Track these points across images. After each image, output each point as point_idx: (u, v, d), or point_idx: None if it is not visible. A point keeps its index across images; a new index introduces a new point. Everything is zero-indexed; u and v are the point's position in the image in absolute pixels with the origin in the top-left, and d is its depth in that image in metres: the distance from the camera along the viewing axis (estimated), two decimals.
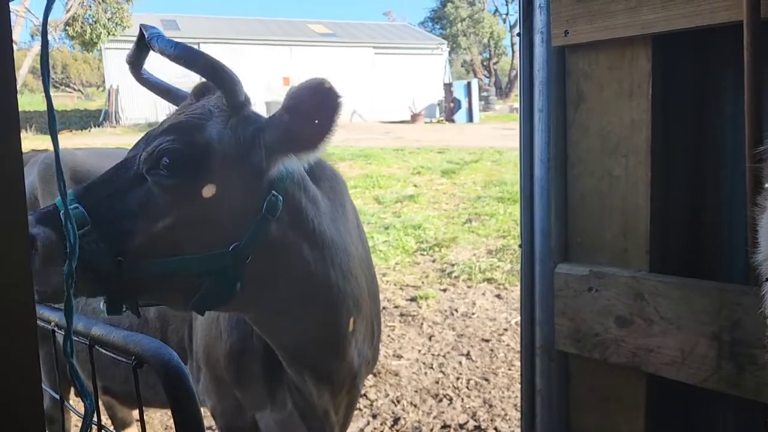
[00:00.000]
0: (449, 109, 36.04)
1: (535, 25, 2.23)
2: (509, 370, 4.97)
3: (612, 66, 2.08)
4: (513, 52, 56.58)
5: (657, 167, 2.02)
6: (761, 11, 1.66)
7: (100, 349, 1.07)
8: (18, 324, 0.71)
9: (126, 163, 1.57)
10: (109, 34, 33.91)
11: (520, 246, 2.40)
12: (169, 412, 1.10)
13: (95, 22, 34.01)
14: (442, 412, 4.30)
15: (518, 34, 2.30)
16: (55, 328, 1.17)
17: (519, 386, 4.71)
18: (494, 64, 64.86)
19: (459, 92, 35.85)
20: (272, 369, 1.98)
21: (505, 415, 4.29)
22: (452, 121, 35.03)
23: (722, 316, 1.85)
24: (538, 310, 2.31)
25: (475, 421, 4.21)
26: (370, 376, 4.41)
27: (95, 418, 1.00)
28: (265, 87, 34.79)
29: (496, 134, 24.71)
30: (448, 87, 36.88)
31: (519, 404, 4.49)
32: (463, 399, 4.52)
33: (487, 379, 4.79)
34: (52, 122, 0.80)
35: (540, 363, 2.34)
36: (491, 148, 18.61)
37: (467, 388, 4.69)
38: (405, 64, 39.44)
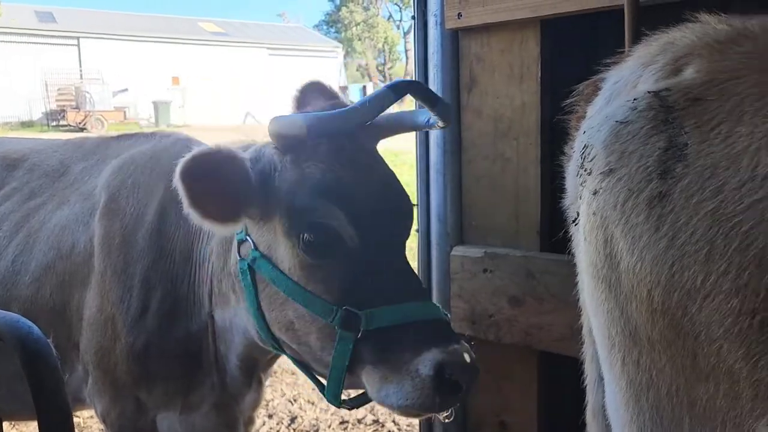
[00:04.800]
0: None
1: (430, 7, 2.23)
2: None
3: (503, 49, 2.11)
4: (407, 58, 57.75)
5: (546, 149, 2.07)
6: None
7: None
8: None
9: None
10: None
11: (417, 231, 2.39)
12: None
13: None
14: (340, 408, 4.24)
15: (413, 17, 2.29)
16: None
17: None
18: (389, 68, 65.87)
19: (355, 96, 36.08)
20: (190, 369, 1.86)
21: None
22: None
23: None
24: (435, 293, 2.30)
25: (374, 415, 4.18)
26: None
27: None
28: (152, 86, 33.24)
29: (393, 137, 25.01)
30: (343, 90, 36.95)
31: (380, 419, 4.52)
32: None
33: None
34: None
35: None
36: (387, 150, 18.80)
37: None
38: (300, 66, 39.03)
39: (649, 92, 0.97)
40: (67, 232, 1.97)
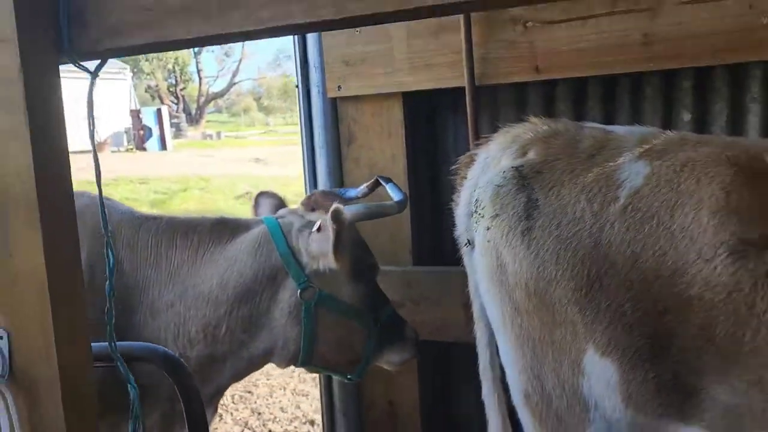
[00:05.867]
0: (139, 137, 34.39)
1: (312, 79, 2.79)
2: (268, 380, 5.39)
3: (374, 113, 2.75)
4: (200, 78, 56.47)
5: (412, 188, 2.75)
6: (476, 80, 2.50)
7: None
8: None
9: None
10: None
11: None
12: None
13: None
14: (215, 429, 4.54)
15: (296, 86, 2.83)
16: None
17: (281, 392, 5.18)
18: (181, 90, 63.71)
19: (148, 119, 34.43)
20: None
21: (275, 418, 4.72)
22: (143, 149, 33.48)
23: (466, 291, 2.63)
24: None
25: (249, 429, 4.55)
26: None
27: None
28: None
29: (195, 162, 24.52)
30: (135, 113, 35.14)
31: (284, 407, 4.97)
32: (232, 413, 4.81)
33: (250, 392, 5.14)
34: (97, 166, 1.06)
35: None
36: (196, 176, 18.57)
37: (233, 402, 4.98)
38: (85, 89, 36.27)
39: (512, 167, 1.66)
40: None
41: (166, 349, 1.23)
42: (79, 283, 1.11)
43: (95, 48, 1.03)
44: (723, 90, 2.48)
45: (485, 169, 1.78)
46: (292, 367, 3.61)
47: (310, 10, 0.90)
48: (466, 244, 1.83)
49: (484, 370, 1.91)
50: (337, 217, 2.01)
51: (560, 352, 1.55)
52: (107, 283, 1.16)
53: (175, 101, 62.48)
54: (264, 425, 4.65)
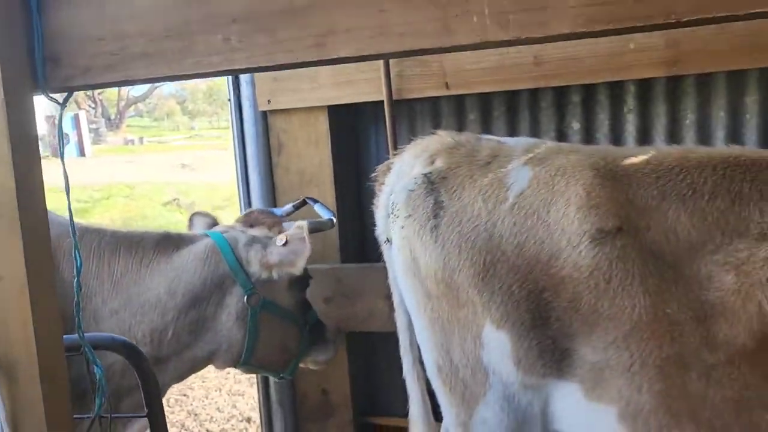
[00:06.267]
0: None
1: (243, 92, 3.01)
2: (203, 382, 5.51)
3: (302, 124, 3.00)
4: None
5: (337, 192, 3.02)
6: (393, 95, 2.79)
7: None
8: None
9: None
10: None
11: None
12: None
13: None
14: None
15: (229, 100, 3.04)
16: None
17: (217, 393, 5.31)
18: (99, 94, 61.37)
19: (65, 125, 33.11)
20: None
21: (212, 418, 4.87)
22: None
23: (388, 283, 2.92)
24: None
25: (186, 430, 4.68)
26: None
27: None
28: None
29: (117, 168, 23.81)
30: (51, 120, 33.75)
31: (220, 407, 5.11)
32: (168, 416, 4.91)
33: (186, 395, 5.25)
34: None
35: None
36: (119, 183, 18.10)
37: (169, 405, 5.08)
38: None
39: (422, 174, 1.95)
40: None
41: (125, 338, 1.43)
42: (53, 282, 1.31)
43: (66, 84, 1.24)
44: (605, 103, 2.88)
45: (400, 176, 2.06)
46: (227, 369, 3.78)
47: (249, 58, 1.15)
48: (385, 242, 2.11)
49: (405, 351, 2.20)
50: (308, 233, 2.37)
51: (464, 328, 1.85)
52: (75, 280, 1.35)
53: (93, 106, 60.09)
54: (201, 425, 4.78)
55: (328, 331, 2.69)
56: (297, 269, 2.38)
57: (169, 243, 2.40)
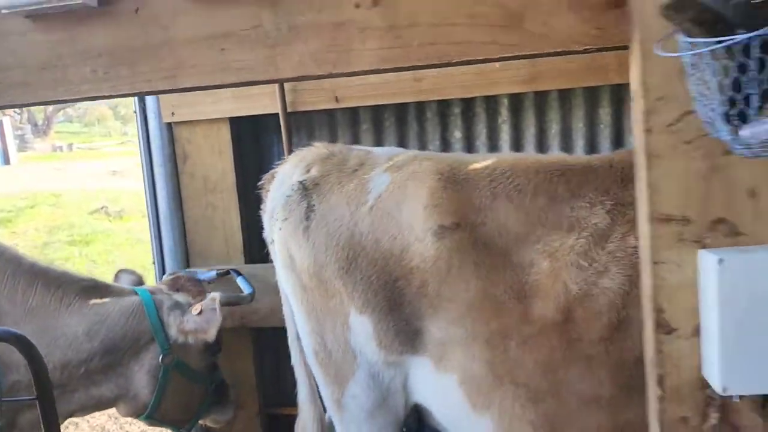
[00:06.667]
0: None
1: (148, 105, 3.19)
2: None
3: (205, 135, 3.21)
4: None
5: (240, 198, 3.24)
6: (288, 107, 3.04)
7: None
8: None
9: None
10: None
11: (153, 262, 3.31)
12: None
13: None
14: None
15: (135, 112, 3.22)
16: None
17: None
18: None
19: None
20: None
21: (132, 420, 4.96)
22: None
23: None
24: None
25: None
26: None
27: None
28: None
29: (45, 176, 23.02)
30: None
31: None
32: (88, 420, 4.98)
33: None
34: None
35: None
36: (45, 191, 17.59)
37: None
38: None
39: (298, 181, 2.21)
40: None
41: (17, 330, 1.61)
42: None
43: None
44: (482, 115, 3.21)
45: (281, 183, 2.31)
46: None
47: (114, 87, 1.38)
48: (271, 242, 2.36)
49: (292, 341, 2.45)
50: (220, 305, 2.61)
51: (334, 316, 2.12)
52: None
53: (19, 111, 57.64)
54: (121, 428, 4.88)
55: (231, 391, 2.94)
56: (209, 336, 2.58)
57: (94, 291, 2.57)
